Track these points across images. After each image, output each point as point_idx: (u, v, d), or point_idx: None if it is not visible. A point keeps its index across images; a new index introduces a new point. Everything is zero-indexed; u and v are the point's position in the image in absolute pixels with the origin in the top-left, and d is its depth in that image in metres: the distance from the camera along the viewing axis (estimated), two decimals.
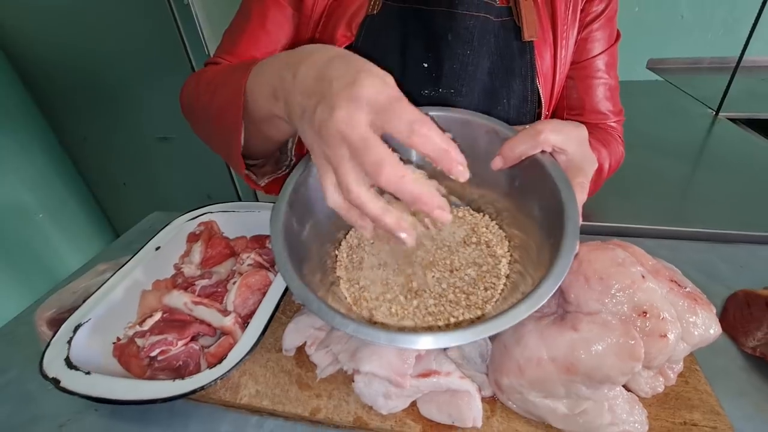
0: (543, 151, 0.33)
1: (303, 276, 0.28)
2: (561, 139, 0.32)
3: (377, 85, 0.24)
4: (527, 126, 0.35)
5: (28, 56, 1.19)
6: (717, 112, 0.89)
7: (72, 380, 0.32)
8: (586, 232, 0.47)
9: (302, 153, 0.44)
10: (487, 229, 0.39)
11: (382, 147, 0.24)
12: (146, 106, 1.20)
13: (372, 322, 0.32)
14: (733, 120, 0.88)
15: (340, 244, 0.39)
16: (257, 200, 1.04)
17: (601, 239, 0.35)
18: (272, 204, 0.53)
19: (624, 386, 0.31)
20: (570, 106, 0.55)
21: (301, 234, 0.33)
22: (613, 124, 0.56)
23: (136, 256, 0.46)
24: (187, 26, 1.03)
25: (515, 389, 0.29)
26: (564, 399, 0.28)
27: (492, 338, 0.34)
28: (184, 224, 0.50)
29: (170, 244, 0.48)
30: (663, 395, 0.32)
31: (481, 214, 0.41)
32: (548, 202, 0.31)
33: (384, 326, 0.32)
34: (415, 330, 0.29)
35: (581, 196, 0.31)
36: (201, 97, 0.42)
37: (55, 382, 0.32)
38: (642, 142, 0.78)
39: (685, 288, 0.28)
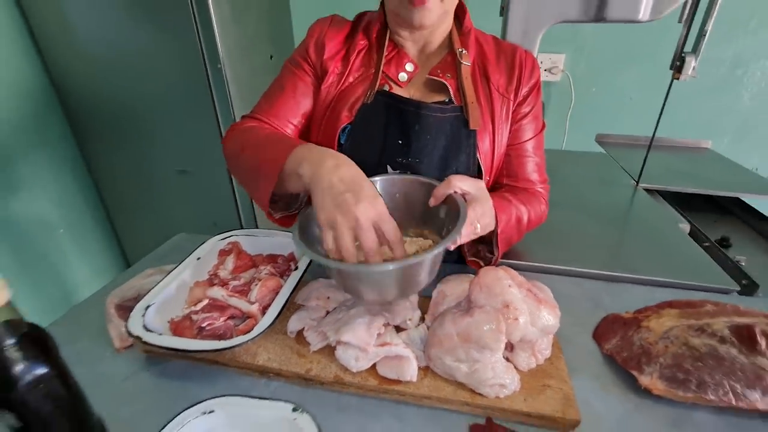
0: (456, 192, 0.53)
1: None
2: (465, 185, 0.54)
3: (381, 205, 0.46)
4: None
5: (73, 93, 1.39)
6: (637, 183, 1.12)
7: (150, 338, 0.48)
8: (518, 268, 0.65)
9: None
10: (429, 247, 0.57)
11: (374, 234, 0.45)
12: (172, 144, 1.40)
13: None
14: (649, 190, 1.10)
15: None
16: (257, 228, 1.22)
17: (525, 274, 0.54)
18: (282, 231, 0.71)
19: (510, 361, 0.48)
20: (508, 174, 0.75)
21: (311, 237, 0.52)
22: (539, 189, 0.77)
23: (183, 263, 0.62)
24: (217, 85, 1.26)
25: (438, 356, 0.47)
26: (465, 362, 0.45)
27: (429, 327, 0.51)
28: (217, 242, 0.68)
29: (207, 256, 0.65)
30: (534, 370, 0.49)
31: (428, 240, 0.59)
32: (451, 216, 0.52)
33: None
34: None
35: (473, 214, 0.53)
36: (247, 150, 0.61)
37: (138, 338, 0.48)
38: (573, 204, 0.99)
39: (536, 295, 0.46)
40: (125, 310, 0.59)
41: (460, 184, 0.54)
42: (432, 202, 0.56)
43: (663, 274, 0.73)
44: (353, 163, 0.50)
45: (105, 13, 1.22)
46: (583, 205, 1.00)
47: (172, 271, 0.61)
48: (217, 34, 1.19)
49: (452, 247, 0.49)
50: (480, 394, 0.46)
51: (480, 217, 0.55)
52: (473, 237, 0.56)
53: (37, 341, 0.37)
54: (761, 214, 1.08)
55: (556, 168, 1.27)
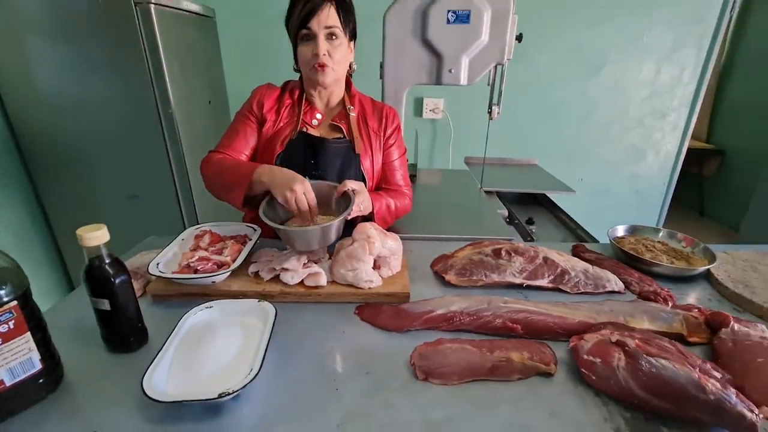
0: (348, 189, 0.95)
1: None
2: (353, 185, 0.95)
3: (306, 185, 0.86)
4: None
5: (30, 133, 1.59)
6: (481, 187, 1.66)
7: (167, 275, 0.81)
8: (404, 237, 1.07)
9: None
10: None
11: (305, 201, 0.86)
12: (125, 173, 1.66)
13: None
14: (489, 192, 1.64)
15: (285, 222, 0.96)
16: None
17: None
18: (234, 223, 1.07)
19: (377, 270, 0.90)
20: (384, 182, 1.20)
21: (273, 214, 0.89)
22: (405, 190, 1.22)
23: (172, 242, 0.95)
24: (168, 125, 1.57)
25: (337, 270, 0.87)
26: (350, 270, 0.86)
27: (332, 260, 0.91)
28: (193, 231, 1.01)
29: (188, 239, 0.99)
30: (390, 276, 0.91)
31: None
32: (347, 203, 0.92)
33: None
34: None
35: (358, 200, 0.93)
36: (224, 172, 0.98)
37: (158, 276, 0.81)
38: (439, 201, 1.48)
39: (385, 233, 0.89)
40: (134, 274, 0.90)
41: (351, 184, 0.95)
42: (335, 195, 0.97)
43: (479, 234, 1.21)
44: (290, 170, 0.90)
45: (67, 67, 1.49)
46: (445, 202, 1.49)
47: (164, 248, 0.94)
48: (168, 86, 1.52)
49: (348, 217, 0.90)
50: (360, 288, 0.86)
51: (362, 202, 0.97)
52: (359, 213, 0.98)
53: (119, 262, 0.70)
54: (556, 204, 1.68)
55: (438, 181, 1.78)
